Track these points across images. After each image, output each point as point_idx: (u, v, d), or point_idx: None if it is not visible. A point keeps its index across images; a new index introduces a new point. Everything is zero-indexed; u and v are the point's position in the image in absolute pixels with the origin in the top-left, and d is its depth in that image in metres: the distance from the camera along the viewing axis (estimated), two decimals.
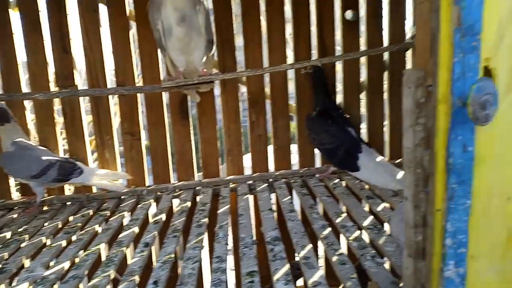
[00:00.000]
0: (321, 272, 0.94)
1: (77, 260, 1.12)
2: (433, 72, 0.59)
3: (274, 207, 1.55)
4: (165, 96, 1.77)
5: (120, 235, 1.25)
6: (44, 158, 1.54)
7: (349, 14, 1.75)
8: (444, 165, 0.57)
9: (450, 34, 0.55)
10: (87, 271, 1.06)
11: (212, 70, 1.64)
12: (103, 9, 1.73)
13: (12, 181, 1.70)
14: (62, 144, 1.75)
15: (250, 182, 1.71)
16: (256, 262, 1.01)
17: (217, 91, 1.80)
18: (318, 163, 1.86)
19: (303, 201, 1.42)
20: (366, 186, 1.50)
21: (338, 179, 1.61)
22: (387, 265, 1.00)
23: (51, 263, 1.12)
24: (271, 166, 1.82)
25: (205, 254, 1.30)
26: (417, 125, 0.64)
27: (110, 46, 1.72)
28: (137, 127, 1.75)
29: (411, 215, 0.68)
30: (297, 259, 1.07)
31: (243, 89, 1.81)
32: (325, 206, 1.35)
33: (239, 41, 1.76)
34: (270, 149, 1.82)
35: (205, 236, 1.22)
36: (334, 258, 1.00)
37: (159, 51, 1.68)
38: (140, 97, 1.76)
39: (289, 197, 1.48)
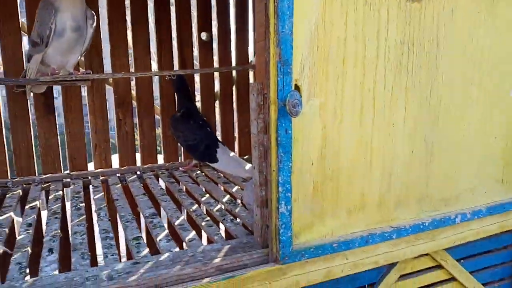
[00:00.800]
0: (193, 232, 1.24)
1: None
2: (267, 85, 0.97)
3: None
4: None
5: None
6: None
7: (203, 35, 2.12)
8: (276, 142, 0.95)
9: (276, 63, 0.93)
10: None
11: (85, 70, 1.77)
12: None
13: None
14: None
15: (119, 174, 1.88)
16: (139, 231, 1.24)
17: (83, 91, 1.92)
18: (181, 159, 2.15)
19: (171, 187, 1.69)
20: (222, 175, 1.86)
21: (199, 171, 1.93)
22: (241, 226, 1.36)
23: None
24: (139, 163, 2.03)
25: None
26: (259, 118, 1.01)
27: None
28: None
29: (258, 178, 1.05)
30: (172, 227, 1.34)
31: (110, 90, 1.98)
32: (190, 190, 1.66)
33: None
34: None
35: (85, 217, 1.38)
36: (203, 223, 1.31)
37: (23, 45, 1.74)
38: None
39: (158, 185, 1.73)
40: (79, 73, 1.62)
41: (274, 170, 0.97)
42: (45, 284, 0.91)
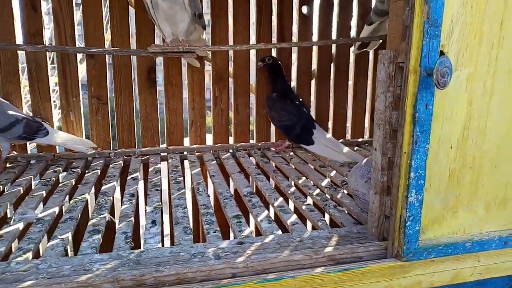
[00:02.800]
0: (294, 216, 1.14)
1: (64, 207, 1.19)
2: (405, 51, 0.82)
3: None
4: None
5: (103, 188, 1.33)
6: (10, 113, 1.53)
7: (305, 8, 1.99)
8: (411, 119, 0.81)
9: (421, 25, 0.78)
10: (80, 214, 1.14)
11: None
12: None
13: None
14: (25, 102, 1.73)
15: (213, 151, 1.86)
16: (238, 209, 1.18)
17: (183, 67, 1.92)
18: (273, 138, 2.08)
19: (265, 166, 1.62)
20: (317, 158, 1.74)
21: (292, 153, 1.83)
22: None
23: (40, 209, 1.18)
24: (231, 139, 2.00)
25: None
26: (388, 92, 0.87)
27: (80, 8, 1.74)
28: (104, 91, 1.79)
29: (379, 161, 0.91)
30: (271, 208, 1.27)
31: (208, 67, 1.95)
32: (285, 172, 1.57)
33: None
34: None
35: (185, 191, 1.36)
36: (304, 207, 1.21)
37: (130, 17, 1.76)
38: (107, 62, 1.81)
39: (252, 163, 1.67)
40: (181, 45, 1.59)
41: (405, 153, 0.83)
42: (152, 256, 0.88)
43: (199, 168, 1.58)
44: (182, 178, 1.45)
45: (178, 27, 1.55)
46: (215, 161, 1.68)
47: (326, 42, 1.96)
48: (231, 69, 1.95)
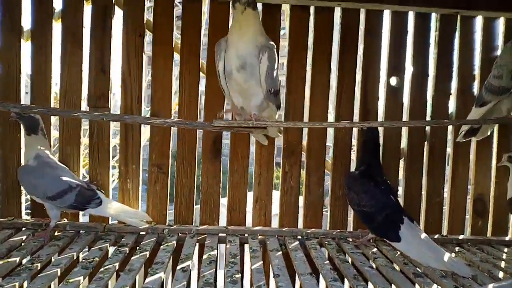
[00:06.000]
0: None
1: None
2: None
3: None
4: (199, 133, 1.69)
5: (146, 281, 1.11)
6: (64, 179, 1.42)
7: (394, 80, 1.74)
8: None
9: None
10: None
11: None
12: (148, 36, 1.70)
13: (24, 199, 1.57)
14: (82, 166, 1.64)
15: (278, 236, 1.59)
16: None
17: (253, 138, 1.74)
18: (350, 227, 1.76)
19: (343, 267, 1.30)
20: (408, 261, 1.39)
21: (376, 248, 1.50)
22: None
23: None
24: (300, 221, 1.72)
25: None
26: None
27: (150, 73, 1.67)
28: (166, 160, 1.65)
29: None
30: None
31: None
32: (370, 279, 1.24)
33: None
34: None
35: None
36: None
37: (200, 86, 1.65)
38: (172, 129, 1.68)
39: (326, 260, 1.36)
40: (250, 119, 1.38)
41: None
42: None
43: (261, 262, 1.31)
44: (239, 275, 1.19)
45: (250, 101, 1.36)
46: (280, 252, 1.40)
47: (419, 123, 1.68)
48: (304, 142, 1.73)
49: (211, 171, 1.67)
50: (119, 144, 1.65)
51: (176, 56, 1.67)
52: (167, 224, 1.63)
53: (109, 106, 1.64)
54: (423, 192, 1.76)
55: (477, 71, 1.74)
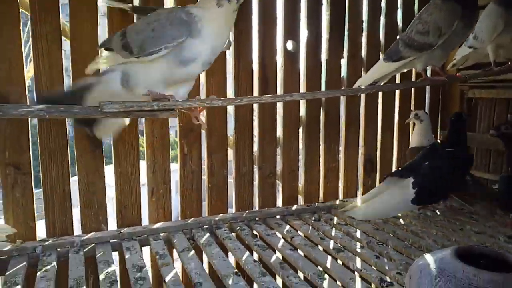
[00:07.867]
0: None
1: None
2: None
3: None
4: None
5: None
6: None
7: (290, 44, 1.64)
8: None
9: None
10: None
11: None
12: None
13: None
14: None
15: (184, 230, 1.38)
16: None
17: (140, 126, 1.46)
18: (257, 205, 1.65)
19: (268, 259, 1.19)
20: None
21: (288, 225, 1.43)
22: None
23: None
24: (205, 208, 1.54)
25: None
26: None
27: None
28: (26, 157, 1.25)
29: None
30: None
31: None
32: (296, 264, 1.15)
33: None
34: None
35: None
36: None
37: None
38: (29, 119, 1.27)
39: (247, 252, 1.22)
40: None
41: None
42: None
43: (175, 271, 1.09)
44: None
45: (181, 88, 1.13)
46: (193, 251, 1.20)
47: (351, 91, 1.57)
48: (203, 118, 1.51)
49: (91, 165, 1.34)
50: None
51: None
52: (38, 239, 1.26)
53: None
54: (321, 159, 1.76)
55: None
